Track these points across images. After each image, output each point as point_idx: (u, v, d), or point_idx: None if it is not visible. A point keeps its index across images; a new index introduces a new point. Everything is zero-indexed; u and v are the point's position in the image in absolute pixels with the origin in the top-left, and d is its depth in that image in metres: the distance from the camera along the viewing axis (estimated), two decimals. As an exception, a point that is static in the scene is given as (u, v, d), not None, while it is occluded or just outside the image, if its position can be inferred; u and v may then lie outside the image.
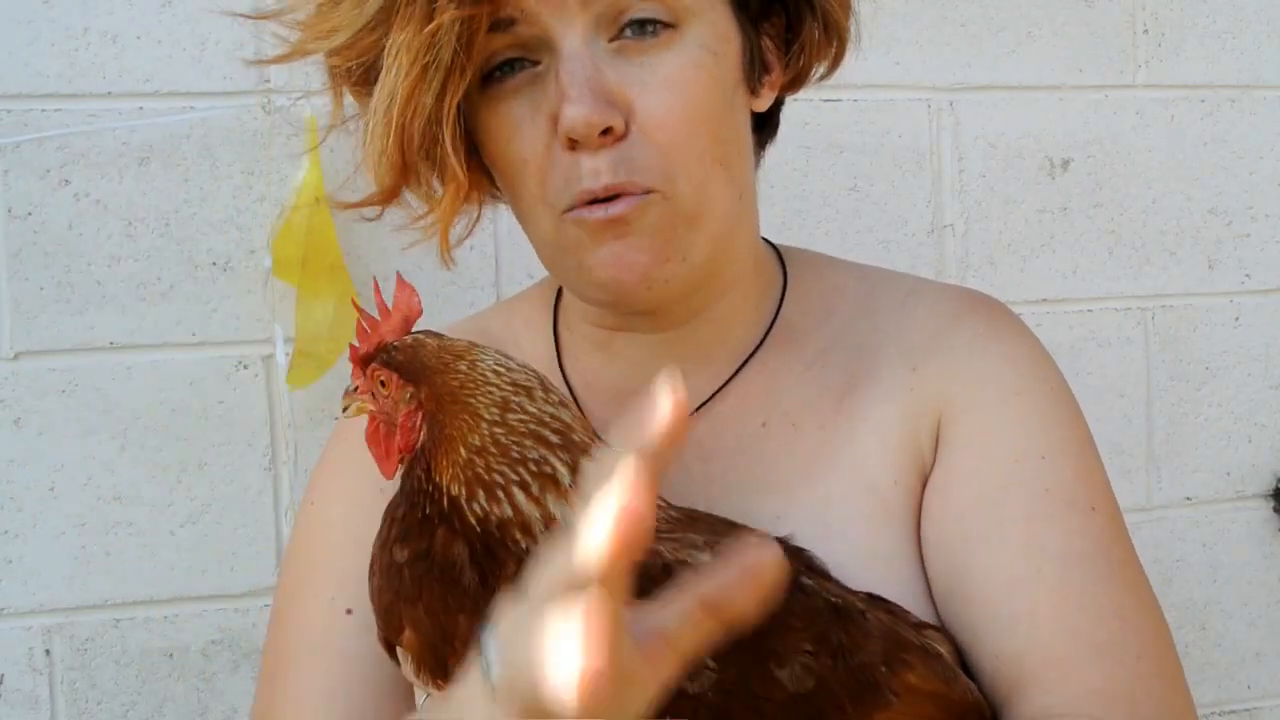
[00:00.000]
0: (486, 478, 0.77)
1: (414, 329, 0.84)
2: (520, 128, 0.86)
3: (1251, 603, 1.65)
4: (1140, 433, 1.61)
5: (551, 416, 0.80)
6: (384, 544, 0.81)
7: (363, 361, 0.83)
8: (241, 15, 1.06)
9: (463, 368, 0.80)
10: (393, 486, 0.85)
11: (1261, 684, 1.66)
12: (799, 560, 0.85)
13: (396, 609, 0.80)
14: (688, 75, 0.85)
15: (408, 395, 0.81)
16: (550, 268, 0.95)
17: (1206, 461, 1.64)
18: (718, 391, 0.97)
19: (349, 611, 0.93)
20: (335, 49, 0.86)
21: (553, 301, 1.05)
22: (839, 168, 1.53)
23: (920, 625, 0.87)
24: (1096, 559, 0.88)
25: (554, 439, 0.79)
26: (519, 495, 0.77)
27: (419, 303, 0.83)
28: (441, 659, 0.77)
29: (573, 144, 0.84)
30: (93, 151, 1.33)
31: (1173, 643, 0.89)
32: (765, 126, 1.01)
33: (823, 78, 1.02)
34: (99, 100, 1.33)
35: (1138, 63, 1.61)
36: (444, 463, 0.79)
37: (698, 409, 0.96)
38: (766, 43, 0.95)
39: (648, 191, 0.85)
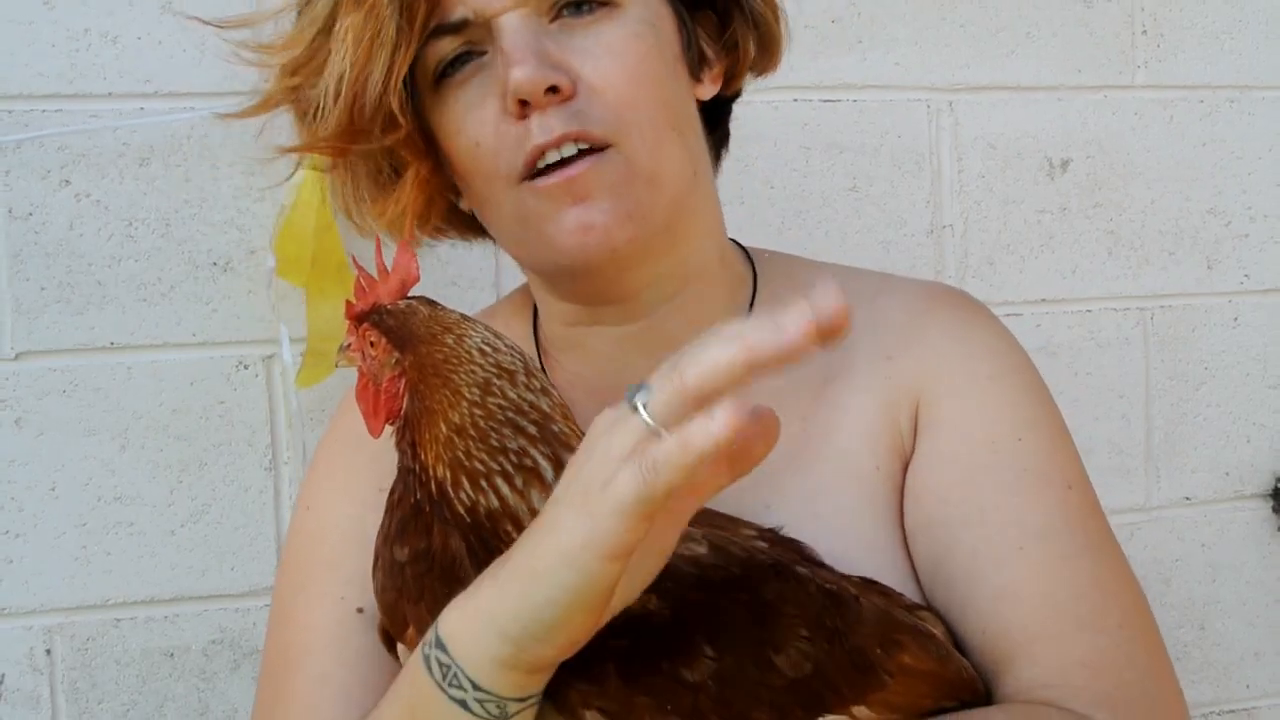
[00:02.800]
0: (468, 464, 0.78)
1: (410, 294, 0.84)
2: (470, 112, 0.89)
3: (1250, 602, 1.66)
4: (1139, 433, 1.62)
5: (530, 405, 0.80)
6: (385, 539, 0.82)
7: (356, 319, 0.84)
8: (198, 19, 1.07)
9: (449, 341, 0.80)
10: (390, 484, 0.85)
11: (1260, 683, 1.66)
12: (793, 550, 0.86)
13: (400, 607, 0.80)
14: (629, 44, 0.89)
15: (393, 360, 0.81)
16: (514, 248, 0.97)
17: (1205, 461, 1.64)
18: None
19: (360, 610, 0.95)
20: (293, 62, 0.90)
21: (531, 306, 1.07)
22: (839, 168, 1.53)
23: (913, 607, 0.89)
24: (1075, 534, 0.90)
25: (531, 429, 0.79)
26: (503, 486, 0.77)
27: (418, 268, 0.84)
28: None
29: (522, 109, 0.86)
30: (93, 152, 1.33)
31: (1150, 612, 0.91)
32: (716, 129, 1.03)
33: (760, 75, 1.04)
34: (100, 101, 1.33)
35: (1136, 63, 1.61)
36: (426, 436, 0.79)
37: None
38: (702, 34, 0.98)
39: (604, 147, 0.87)
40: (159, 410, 1.36)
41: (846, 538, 0.91)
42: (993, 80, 1.57)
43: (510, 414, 0.79)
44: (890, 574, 0.90)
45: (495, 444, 0.78)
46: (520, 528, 0.77)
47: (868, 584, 0.87)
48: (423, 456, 0.79)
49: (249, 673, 1.38)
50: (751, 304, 1.02)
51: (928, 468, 0.93)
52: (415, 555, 0.79)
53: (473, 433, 0.78)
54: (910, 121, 1.55)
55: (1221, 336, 1.64)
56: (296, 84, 0.92)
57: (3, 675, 1.33)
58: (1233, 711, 1.65)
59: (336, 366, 0.86)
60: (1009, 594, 0.87)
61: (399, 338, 0.81)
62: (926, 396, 0.95)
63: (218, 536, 1.38)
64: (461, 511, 0.78)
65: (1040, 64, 1.58)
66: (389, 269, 0.84)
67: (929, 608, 0.90)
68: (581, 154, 0.87)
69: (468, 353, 0.80)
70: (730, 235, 1.06)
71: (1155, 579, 1.62)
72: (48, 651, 1.34)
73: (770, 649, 0.76)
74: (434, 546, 0.78)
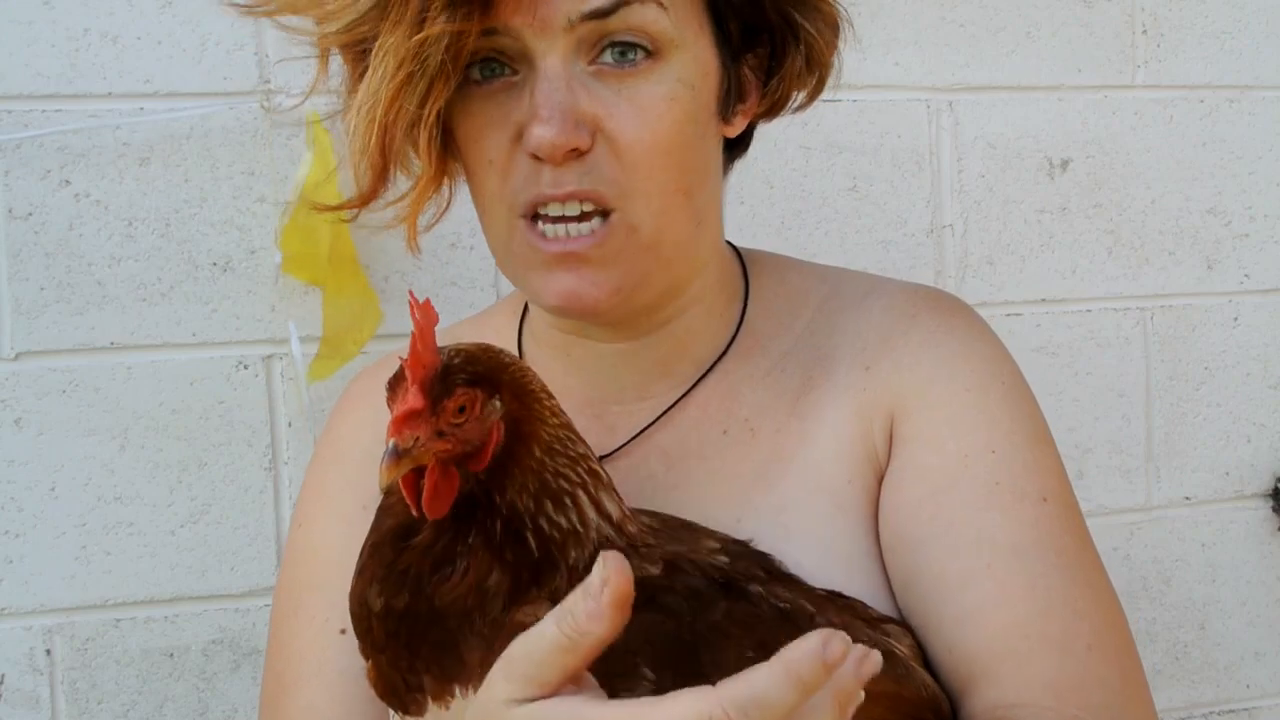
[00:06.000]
0: (554, 485, 0.75)
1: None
2: (489, 129, 0.87)
3: (1250, 602, 1.66)
4: (1139, 433, 1.62)
5: (560, 409, 0.78)
6: (361, 574, 0.80)
7: (436, 398, 0.71)
8: (236, 5, 1.04)
9: (507, 359, 0.77)
10: (374, 502, 0.83)
11: (1260, 683, 1.66)
12: (758, 564, 0.85)
13: (364, 649, 0.79)
14: (661, 107, 0.86)
15: (496, 405, 0.75)
16: (501, 268, 0.95)
17: (1206, 461, 1.64)
18: (679, 400, 0.97)
19: (343, 631, 0.94)
20: (329, 32, 0.87)
21: (520, 312, 1.06)
22: (839, 168, 1.53)
23: (880, 620, 0.87)
24: (1047, 550, 0.87)
25: (579, 433, 0.78)
26: (583, 497, 0.75)
27: (430, 304, 0.74)
28: (400, 698, 0.77)
29: (538, 158, 0.85)
30: (93, 152, 1.33)
31: (1127, 631, 0.89)
32: (737, 145, 1.02)
33: (800, 108, 1.02)
34: (99, 100, 1.33)
35: (1136, 63, 1.61)
36: (515, 469, 0.75)
37: (659, 417, 0.97)
38: (746, 72, 0.96)
39: (606, 213, 0.86)
40: (159, 410, 1.36)
41: (816, 551, 0.89)
42: (993, 80, 1.57)
43: (565, 416, 0.77)
44: (862, 587, 0.89)
45: (574, 453, 0.75)
46: (581, 546, 0.74)
47: (832, 597, 0.85)
48: (500, 496, 0.74)
49: (249, 673, 1.38)
50: (741, 317, 1.00)
51: (900, 482, 0.91)
52: (387, 610, 0.76)
53: (558, 446, 0.75)
54: (910, 121, 1.55)
55: (1221, 336, 1.65)
56: (326, 31, 0.88)
57: (3, 675, 1.33)
58: (1233, 711, 1.65)
59: (384, 487, 0.71)
60: (975, 613, 0.85)
61: (490, 380, 0.73)
62: (902, 409, 0.92)
63: (218, 536, 1.38)
64: (533, 545, 0.73)
65: (1040, 64, 1.58)
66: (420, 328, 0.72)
67: (898, 621, 0.89)
68: (585, 215, 0.85)
69: (518, 362, 0.75)
70: (730, 234, 1.05)
71: (1155, 579, 1.62)
72: (48, 651, 1.34)
73: (712, 670, 0.74)
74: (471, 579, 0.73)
